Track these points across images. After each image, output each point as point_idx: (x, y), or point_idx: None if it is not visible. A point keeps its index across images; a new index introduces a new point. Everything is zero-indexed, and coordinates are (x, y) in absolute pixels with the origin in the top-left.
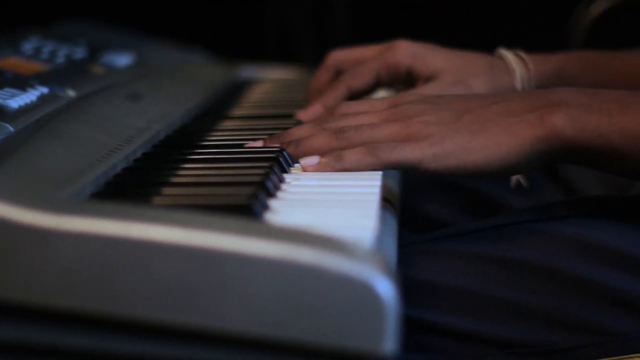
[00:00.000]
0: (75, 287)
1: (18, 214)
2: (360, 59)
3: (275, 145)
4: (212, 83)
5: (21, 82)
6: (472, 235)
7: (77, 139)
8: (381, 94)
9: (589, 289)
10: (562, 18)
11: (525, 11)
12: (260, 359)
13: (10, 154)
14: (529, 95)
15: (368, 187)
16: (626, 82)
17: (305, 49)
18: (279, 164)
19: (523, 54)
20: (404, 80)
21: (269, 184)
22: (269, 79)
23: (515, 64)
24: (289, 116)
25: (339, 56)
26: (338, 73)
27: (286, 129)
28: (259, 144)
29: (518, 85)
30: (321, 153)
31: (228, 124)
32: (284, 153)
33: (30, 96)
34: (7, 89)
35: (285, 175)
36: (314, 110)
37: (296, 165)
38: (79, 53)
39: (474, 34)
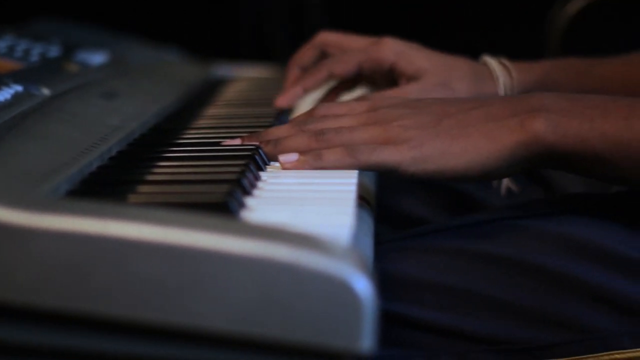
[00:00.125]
0: (52, 285)
1: None
2: (346, 47)
3: (252, 143)
4: (187, 81)
5: None
6: (454, 232)
7: (52, 137)
8: (358, 92)
9: (570, 285)
10: (539, 16)
11: (502, 9)
12: (238, 357)
13: None
14: (509, 101)
15: (344, 185)
16: (609, 90)
17: (280, 48)
18: (254, 162)
19: (507, 62)
20: (386, 76)
21: (245, 182)
22: (243, 77)
23: (499, 71)
24: (265, 115)
25: (327, 38)
26: (322, 55)
27: (262, 127)
28: (237, 142)
29: (501, 92)
30: (300, 153)
31: (203, 122)
32: (260, 151)
33: (4, 94)
34: None
35: (262, 173)
36: (293, 92)
37: (272, 163)
38: (53, 51)
39: (451, 32)
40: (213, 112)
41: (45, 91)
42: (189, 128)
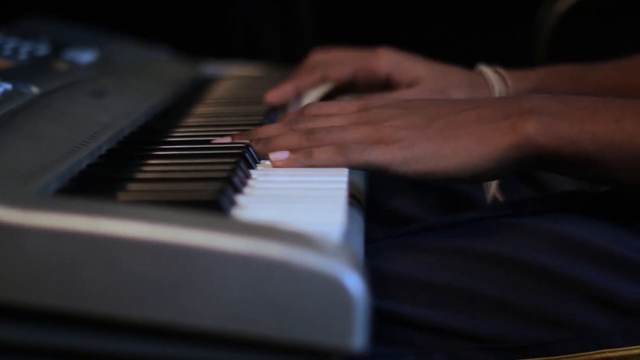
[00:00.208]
0: (43, 283)
1: None
2: (342, 57)
3: (242, 141)
4: (176, 80)
5: None
6: (446, 230)
7: (41, 135)
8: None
9: (563, 283)
10: (529, 15)
11: (492, 8)
12: (230, 355)
13: None
14: (501, 103)
15: (335, 183)
16: (603, 95)
17: (269, 47)
18: (245, 160)
19: (502, 71)
20: (382, 87)
21: (236, 180)
22: (232, 75)
23: (494, 80)
24: (254, 113)
25: (321, 56)
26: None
27: (251, 125)
28: (227, 140)
29: None
30: (290, 151)
31: (193, 120)
32: (250, 149)
33: None
34: None
35: (252, 172)
36: (285, 89)
37: (263, 162)
38: (42, 50)
39: (440, 31)
40: (202, 110)
41: (35, 89)
42: (178, 126)
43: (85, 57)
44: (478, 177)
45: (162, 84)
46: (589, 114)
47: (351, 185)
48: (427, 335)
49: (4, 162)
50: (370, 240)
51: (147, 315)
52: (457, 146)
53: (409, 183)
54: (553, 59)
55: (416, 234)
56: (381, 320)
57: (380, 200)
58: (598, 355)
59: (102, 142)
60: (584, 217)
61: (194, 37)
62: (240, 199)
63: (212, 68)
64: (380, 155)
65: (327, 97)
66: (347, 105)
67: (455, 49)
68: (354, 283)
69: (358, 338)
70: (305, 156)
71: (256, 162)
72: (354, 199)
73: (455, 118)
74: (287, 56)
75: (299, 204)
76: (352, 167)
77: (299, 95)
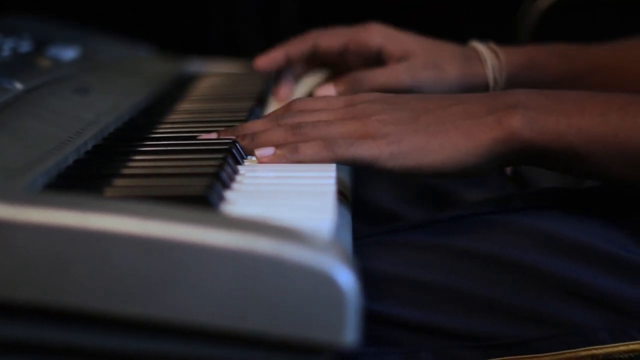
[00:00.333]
0: (32, 278)
1: None
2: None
3: (228, 137)
4: (159, 77)
5: None
6: (429, 227)
7: (27, 131)
8: (306, 81)
9: (547, 280)
10: (510, 11)
11: (473, 5)
12: (220, 351)
13: None
14: (487, 98)
15: (323, 178)
16: (592, 73)
17: (251, 44)
18: (232, 155)
19: (494, 46)
20: (372, 60)
21: (224, 175)
22: (215, 73)
23: (487, 54)
24: (239, 110)
25: (313, 32)
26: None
27: (237, 121)
28: (213, 136)
29: (490, 73)
30: (276, 147)
31: (178, 116)
32: (237, 145)
33: None
34: None
35: (239, 167)
36: (275, 55)
37: (249, 157)
38: (25, 46)
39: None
40: (187, 107)
41: (19, 85)
42: (163, 123)
43: (68, 53)
44: (465, 172)
45: (145, 81)
46: (575, 108)
47: (338, 181)
48: (412, 334)
49: None
50: (353, 238)
51: (137, 311)
52: (444, 141)
53: (391, 179)
54: None
55: (400, 231)
56: (366, 319)
57: (362, 196)
58: (584, 353)
59: (87, 139)
60: (566, 213)
61: (175, 34)
62: (228, 194)
63: (194, 65)
64: (367, 150)
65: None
66: (333, 100)
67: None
68: (346, 278)
69: (350, 334)
70: (291, 151)
71: (243, 158)
72: (341, 195)
73: (442, 113)
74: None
75: (288, 199)
76: (339, 162)
77: (288, 62)
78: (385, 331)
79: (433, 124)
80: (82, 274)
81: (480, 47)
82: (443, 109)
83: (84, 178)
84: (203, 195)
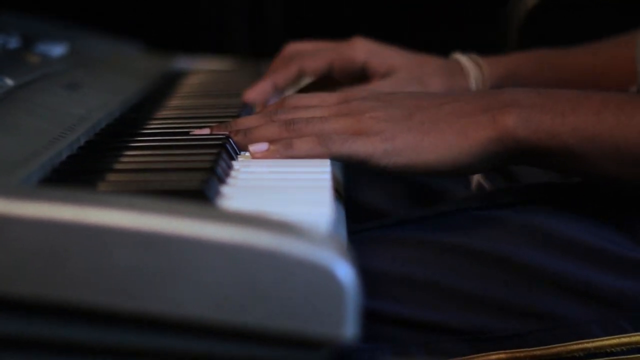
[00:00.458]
0: (29, 273)
1: None
2: (316, 49)
3: (221, 133)
4: (148, 73)
5: None
6: (418, 223)
7: (20, 127)
8: (306, 81)
9: (537, 275)
10: (498, 8)
11: (460, 2)
12: (218, 345)
13: None
14: (481, 96)
15: (318, 173)
16: (576, 80)
17: (239, 41)
18: (226, 151)
19: (477, 58)
20: (357, 76)
21: (219, 170)
22: (204, 69)
23: (470, 66)
24: (231, 106)
25: (296, 47)
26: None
27: (229, 117)
28: (206, 131)
29: (473, 87)
30: (270, 142)
31: (169, 112)
32: (230, 140)
33: None
34: None
35: (233, 163)
36: (262, 87)
37: (243, 153)
38: (13, 43)
39: (410, 25)
40: (178, 103)
41: (9, 81)
42: (155, 118)
43: (57, 50)
44: (458, 171)
45: (134, 78)
46: (570, 107)
47: (332, 176)
48: (403, 329)
49: None
50: None
51: (135, 306)
52: (437, 139)
53: (381, 177)
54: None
55: (389, 227)
56: None
57: (352, 195)
58: (575, 346)
59: (80, 134)
60: (555, 208)
61: (164, 31)
62: (224, 189)
63: (182, 62)
64: (361, 147)
65: (304, 90)
66: (326, 96)
67: (425, 43)
68: (345, 272)
69: (349, 328)
70: (285, 147)
71: (237, 154)
72: (335, 191)
73: (436, 111)
74: (256, 50)
75: (284, 193)
76: (333, 158)
77: (277, 91)
78: (376, 327)
79: (427, 122)
80: (80, 269)
81: (463, 60)
82: (437, 107)
83: (79, 173)
84: (200, 189)
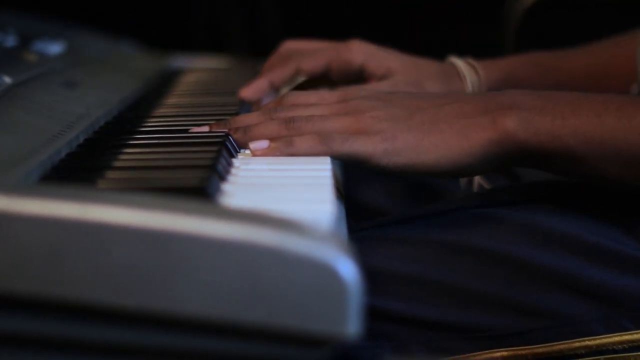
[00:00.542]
0: (30, 270)
1: None
2: (314, 49)
3: (221, 130)
4: (146, 72)
5: None
6: (419, 221)
7: (19, 124)
8: (300, 79)
9: (538, 273)
10: (495, 8)
11: (459, 2)
12: (221, 343)
13: None
14: (481, 98)
15: (319, 170)
16: (574, 83)
17: (233, 39)
18: (226, 148)
19: (473, 61)
20: (355, 78)
21: (220, 167)
22: (200, 68)
23: (466, 70)
24: (229, 104)
25: (292, 45)
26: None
27: (227, 115)
28: (205, 129)
29: (469, 90)
30: (270, 140)
31: (167, 110)
32: (230, 138)
33: None
34: None
35: (233, 160)
36: (258, 85)
37: (242, 151)
38: (10, 41)
39: (409, 25)
40: (175, 101)
41: (7, 79)
42: (154, 116)
43: (54, 48)
44: (458, 172)
45: (131, 76)
46: (571, 109)
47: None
48: (403, 327)
49: None
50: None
51: (136, 303)
52: (437, 140)
53: (379, 177)
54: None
55: (389, 226)
56: None
57: (350, 193)
58: (577, 344)
59: (79, 132)
60: (556, 207)
61: (159, 30)
62: (225, 187)
63: (179, 61)
64: (362, 146)
65: (298, 88)
66: (326, 95)
67: (423, 43)
68: (348, 269)
69: (352, 325)
70: (285, 145)
71: (236, 151)
72: (335, 189)
73: (436, 111)
74: (253, 48)
75: (286, 191)
76: (334, 157)
77: (273, 90)
78: (376, 325)
79: (427, 122)
80: (81, 266)
81: (459, 63)
82: (437, 108)
83: (79, 171)
84: (201, 186)
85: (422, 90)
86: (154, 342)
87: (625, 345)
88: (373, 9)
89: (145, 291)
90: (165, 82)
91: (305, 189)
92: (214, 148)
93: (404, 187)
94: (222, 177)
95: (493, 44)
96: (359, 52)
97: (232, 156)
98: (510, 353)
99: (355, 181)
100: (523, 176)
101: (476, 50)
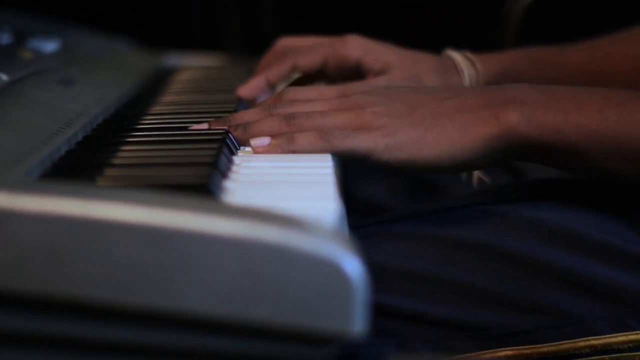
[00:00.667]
0: (33, 268)
1: None
2: (310, 46)
3: (220, 127)
4: (142, 70)
5: None
6: (423, 218)
7: (17, 122)
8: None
9: (544, 270)
10: (495, 8)
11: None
12: (226, 341)
13: None
14: (482, 92)
15: (320, 167)
16: (571, 78)
17: (230, 38)
18: (226, 145)
19: (470, 55)
20: (351, 74)
21: (222, 165)
22: (196, 66)
23: (463, 64)
24: (227, 101)
25: (288, 42)
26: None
27: (226, 112)
28: (204, 126)
29: (467, 83)
30: (271, 137)
31: (165, 108)
32: (230, 135)
33: None
34: None
35: (234, 157)
36: (255, 83)
37: (242, 148)
38: (5, 39)
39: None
40: (173, 99)
41: (4, 77)
42: (152, 114)
43: (49, 46)
44: (460, 167)
45: (127, 74)
46: (573, 104)
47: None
48: (407, 325)
49: None
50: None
51: (140, 301)
52: (439, 135)
53: (378, 173)
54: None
55: (393, 222)
56: None
57: (349, 190)
58: (583, 343)
59: (77, 129)
60: (561, 203)
61: (155, 27)
62: (226, 184)
63: (174, 59)
64: (363, 142)
65: (296, 84)
66: (326, 90)
67: (423, 43)
68: (353, 267)
69: (358, 323)
70: (287, 142)
71: (236, 148)
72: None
73: (437, 106)
74: (250, 47)
75: (288, 188)
76: (335, 153)
77: (269, 87)
78: (380, 322)
79: (429, 117)
80: (83, 264)
81: (457, 57)
82: (438, 102)
83: (80, 168)
84: (203, 184)
85: (420, 84)
86: (158, 341)
87: (630, 345)
88: (372, 8)
89: (148, 289)
90: (160, 79)
91: (307, 186)
92: (215, 145)
93: (406, 183)
94: (224, 174)
95: (493, 43)
96: (355, 47)
97: (233, 153)
98: (515, 352)
99: (353, 177)
100: (523, 170)
101: (476, 49)
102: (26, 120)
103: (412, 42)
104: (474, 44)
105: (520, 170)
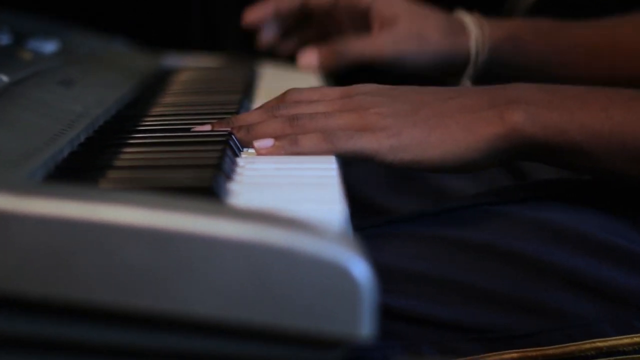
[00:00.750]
0: (36, 271)
1: None
2: None
3: (223, 129)
4: (141, 71)
5: None
6: (428, 218)
7: (19, 123)
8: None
9: (549, 272)
10: (495, 8)
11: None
12: (232, 345)
13: None
14: (485, 92)
15: (325, 170)
16: (576, 52)
17: (230, 39)
18: (230, 147)
19: (480, 17)
20: (359, 21)
21: (226, 167)
22: (196, 67)
23: (472, 25)
24: (228, 102)
25: None
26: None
27: (228, 114)
28: (207, 128)
29: (472, 45)
30: (274, 138)
31: (166, 109)
32: (233, 137)
33: None
34: None
35: (238, 159)
36: (264, 9)
37: (246, 149)
38: (4, 39)
39: None
40: (174, 100)
41: (4, 78)
42: (154, 115)
43: (49, 47)
44: (464, 167)
45: (128, 75)
46: (577, 103)
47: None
48: (413, 327)
49: None
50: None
51: (145, 305)
52: (443, 135)
53: (380, 173)
54: None
55: (398, 223)
56: None
57: (350, 190)
58: (588, 345)
59: (80, 131)
60: (566, 204)
61: (154, 28)
62: (231, 186)
63: (173, 60)
64: (367, 143)
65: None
66: (328, 91)
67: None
68: (361, 270)
69: (366, 326)
70: (290, 143)
71: (240, 150)
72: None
73: (441, 106)
74: (251, 49)
75: (293, 191)
76: (339, 155)
77: (276, 18)
78: (385, 324)
79: (432, 118)
80: (88, 267)
81: (467, 18)
82: (442, 102)
83: (84, 170)
84: (208, 186)
85: (424, 42)
86: (163, 344)
87: (636, 347)
88: None
89: (153, 292)
90: (160, 80)
91: (312, 188)
92: (218, 147)
93: (409, 184)
94: (228, 177)
95: None
96: None
97: (236, 155)
98: (521, 354)
99: (356, 179)
100: (526, 171)
101: None
102: (27, 121)
103: None
104: None
105: (522, 170)
